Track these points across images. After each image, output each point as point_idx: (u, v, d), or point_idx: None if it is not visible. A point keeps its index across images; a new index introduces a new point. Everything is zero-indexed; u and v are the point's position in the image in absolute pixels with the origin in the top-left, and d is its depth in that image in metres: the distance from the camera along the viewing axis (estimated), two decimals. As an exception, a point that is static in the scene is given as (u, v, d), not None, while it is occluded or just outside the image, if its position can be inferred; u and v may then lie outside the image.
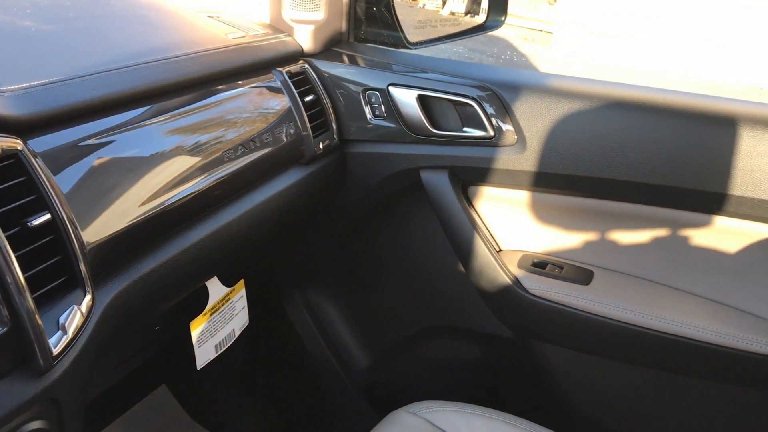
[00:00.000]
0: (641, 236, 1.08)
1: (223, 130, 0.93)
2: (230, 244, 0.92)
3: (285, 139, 1.03)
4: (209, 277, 0.95)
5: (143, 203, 0.76)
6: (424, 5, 1.85)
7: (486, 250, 1.14)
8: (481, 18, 1.47)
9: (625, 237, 1.10)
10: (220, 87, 0.95)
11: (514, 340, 1.20)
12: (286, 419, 1.51)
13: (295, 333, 1.40)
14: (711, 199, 0.98)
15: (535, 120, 1.05)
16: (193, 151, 0.85)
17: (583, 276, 1.12)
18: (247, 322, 1.09)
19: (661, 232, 1.06)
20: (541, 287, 1.11)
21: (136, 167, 0.76)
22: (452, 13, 1.74)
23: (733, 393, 1.04)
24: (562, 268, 1.14)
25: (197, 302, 0.98)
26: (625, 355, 1.08)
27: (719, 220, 1.01)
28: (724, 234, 1.02)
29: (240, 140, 0.93)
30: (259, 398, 1.50)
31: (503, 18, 1.42)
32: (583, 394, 1.15)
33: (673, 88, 1.06)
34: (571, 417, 1.17)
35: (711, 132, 0.96)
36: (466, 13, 1.64)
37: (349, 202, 1.22)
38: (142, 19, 1.01)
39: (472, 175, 1.13)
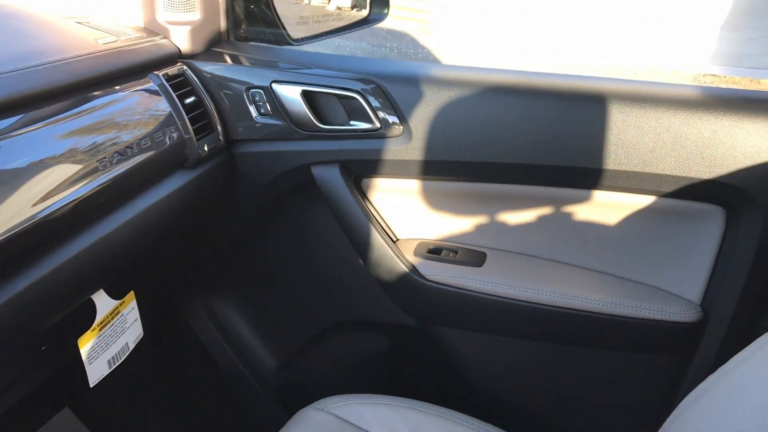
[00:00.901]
0: (528, 216, 1.12)
1: (98, 137, 0.89)
2: (113, 256, 0.89)
3: (167, 143, 1.00)
4: (93, 291, 0.92)
5: (11, 217, 0.73)
6: (309, 1, 1.85)
7: (382, 241, 1.15)
8: (365, 11, 1.47)
9: (513, 217, 1.13)
10: (94, 93, 0.92)
11: (416, 328, 1.22)
12: (198, 430, 1.48)
13: (198, 341, 1.37)
14: (588, 174, 1.02)
15: (418, 110, 1.07)
16: (66, 160, 0.82)
17: (476, 258, 1.14)
18: (142, 334, 1.06)
19: (546, 210, 1.10)
20: (438, 273, 1.13)
21: (2, 181, 0.73)
22: (339, 8, 1.75)
23: (621, 357, 1.08)
24: (456, 253, 1.16)
25: (84, 317, 0.94)
26: (520, 331, 1.11)
27: (598, 194, 1.06)
28: (603, 207, 1.07)
29: (117, 147, 0.90)
30: (167, 411, 1.47)
31: (386, 11, 1.43)
32: (484, 373, 1.18)
33: (547, 70, 1.10)
34: (474, 395, 1.20)
35: (582, 110, 1.00)
36: (353, 8, 1.65)
37: (241, 204, 1.20)
38: (4, 28, 0.96)
39: (362, 168, 1.14)
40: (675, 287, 1.07)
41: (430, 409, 1.11)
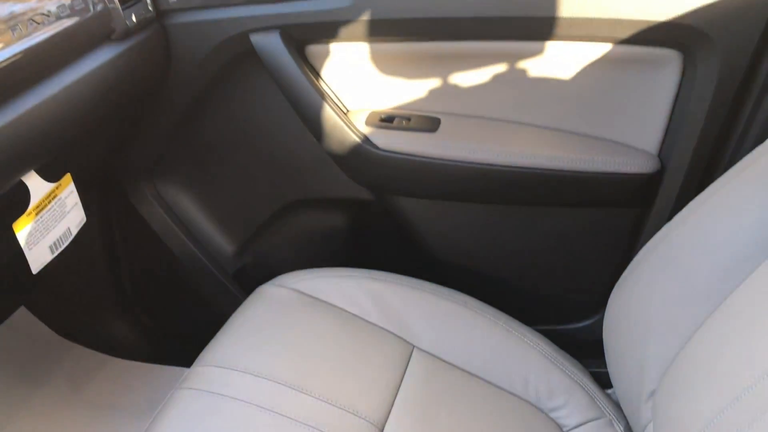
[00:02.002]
0: (481, 75, 1.07)
1: (13, 6, 0.82)
2: (40, 133, 0.83)
3: (90, 12, 0.93)
4: (22, 173, 0.86)
5: None
6: None
7: (331, 112, 1.10)
8: None
9: (466, 78, 1.08)
10: None
11: (372, 201, 1.19)
12: (159, 319, 1.46)
13: (150, 229, 1.33)
14: (542, 24, 0.97)
15: None
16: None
17: (430, 124, 1.10)
18: (84, 219, 1.02)
19: (499, 68, 1.06)
20: (391, 141, 1.09)
21: None
22: None
23: (580, 214, 1.07)
24: (409, 120, 1.12)
25: (18, 202, 0.89)
26: (477, 195, 1.09)
27: (552, 46, 1.01)
28: (558, 60, 1.03)
29: (31, 14, 0.83)
30: (125, 303, 1.44)
31: None
32: (442, 240, 1.17)
33: None
34: (434, 262, 1.19)
35: None
36: None
37: (179, 80, 1.13)
38: None
39: (305, 33, 1.07)
40: (632, 139, 1.05)
41: (390, 278, 1.10)
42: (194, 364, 0.96)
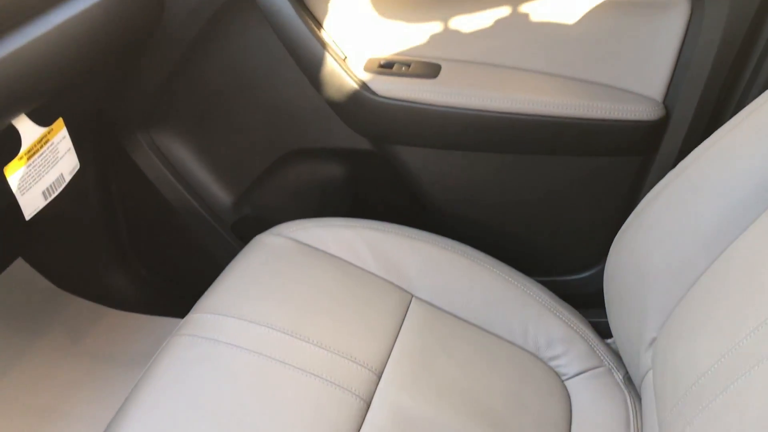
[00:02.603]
0: (483, 20, 1.04)
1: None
2: (29, 74, 0.81)
3: (79, -49, 0.90)
4: (12, 115, 0.84)
5: None
6: None
7: (330, 58, 1.08)
8: None
9: (468, 23, 1.05)
10: None
11: (371, 150, 1.17)
12: (157, 270, 1.46)
13: (147, 180, 1.31)
14: None
15: None
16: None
17: (430, 70, 1.08)
18: (78, 165, 1.00)
19: (502, 12, 1.03)
20: (390, 88, 1.07)
21: None
22: None
23: (582, 163, 1.06)
24: (408, 66, 1.09)
25: (9, 146, 0.87)
26: (477, 143, 1.07)
27: None
28: (563, 2, 1.00)
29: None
30: (122, 254, 1.43)
31: None
32: (442, 190, 1.15)
33: None
34: (434, 213, 1.18)
35: None
36: None
37: (173, 26, 1.10)
38: None
39: None
40: (637, 86, 1.03)
41: (389, 228, 1.08)
42: (191, 311, 0.96)
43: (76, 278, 1.47)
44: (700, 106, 0.99)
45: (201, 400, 0.82)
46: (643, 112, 1.00)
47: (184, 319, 0.95)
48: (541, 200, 1.11)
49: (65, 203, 1.29)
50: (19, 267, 1.47)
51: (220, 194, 1.34)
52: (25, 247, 1.46)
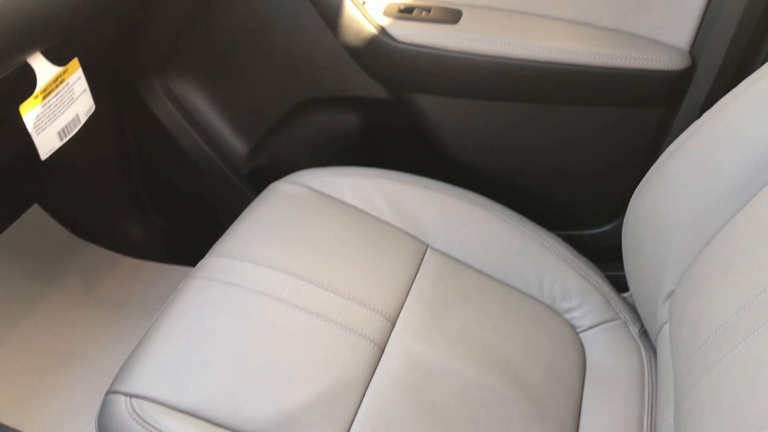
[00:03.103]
0: (507, -36, 1.02)
1: None
2: (42, 11, 0.80)
3: None
4: (27, 52, 0.83)
5: None
6: None
7: (348, 3, 1.06)
8: None
9: None
10: None
11: (388, 99, 1.15)
12: (170, 219, 1.46)
13: (162, 127, 1.30)
14: None
15: None
16: None
17: (451, 16, 1.05)
18: (93, 107, 0.99)
19: (527, -44, 1.00)
20: (409, 33, 1.05)
21: None
22: None
23: (606, 113, 1.03)
24: (429, 11, 1.07)
25: (25, 85, 0.86)
26: (499, 92, 1.05)
27: None
28: None
29: None
30: (137, 202, 1.43)
31: None
32: (459, 140, 1.13)
33: None
34: (452, 163, 1.16)
35: None
36: None
37: None
38: None
39: None
40: (663, 35, 1.00)
41: (405, 178, 1.07)
42: (206, 255, 0.96)
43: (92, 226, 1.48)
44: (728, 57, 0.96)
45: (215, 341, 0.82)
46: (669, 61, 0.98)
47: (200, 263, 0.95)
48: (561, 152, 1.09)
49: (81, 149, 1.29)
50: (35, 214, 1.47)
51: (235, 143, 1.33)
52: (41, 194, 1.46)
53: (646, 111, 1.02)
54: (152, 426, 0.72)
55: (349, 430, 0.77)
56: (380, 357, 0.85)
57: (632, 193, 0.95)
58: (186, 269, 1.42)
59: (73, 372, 1.24)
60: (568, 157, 1.09)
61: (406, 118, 1.16)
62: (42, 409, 1.18)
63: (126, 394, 0.76)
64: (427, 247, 1.02)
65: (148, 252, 1.46)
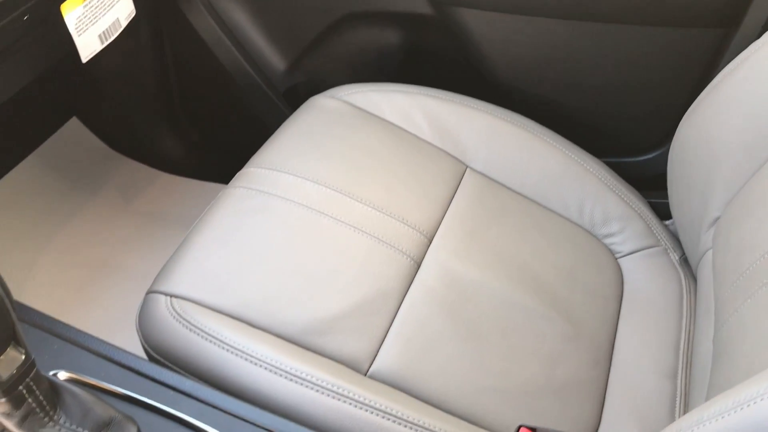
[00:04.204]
0: None
1: None
2: None
3: None
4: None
5: None
6: None
7: None
8: None
9: None
10: None
11: (430, 14, 1.12)
12: (207, 135, 1.45)
13: (202, 42, 1.29)
14: None
15: None
16: None
17: None
18: (134, 12, 0.98)
19: None
20: None
21: None
22: None
23: (657, 33, 0.99)
24: None
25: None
26: (547, 7, 1.00)
27: None
28: None
29: None
30: (174, 117, 1.43)
31: None
32: (503, 59, 1.10)
33: None
34: (494, 83, 1.13)
35: None
36: None
37: None
38: None
39: None
40: None
41: (446, 96, 1.05)
42: (245, 166, 0.95)
43: (129, 140, 1.48)
44: None
45: (253, 247, 0.82)
46: (730, -22, 0.93)
47: (239, 173, 0.94)
48: (610, 75, 1.05)
49: (120, 61, 1.28)
50: (74, 126, 1.48)
51: (274, 60, 1.31)
52: (80, 107, 1.47)
53: (702, 32, 0.97)
54: (192, 324, 0.73)
55: (384, 339, 0.78)
56: (416, 271, 0.85)
57: (680, 118, 0.92)
58: (221, 186, 1.43)
59: (111, 281, 1.27)
60: (617, 79, 1.05)
61: (448, 35, 1.12)
62: (80, 317, 1.21)
63: (166, 294, 0.77)
64: (467, 167, 1.00)
65: (184, 168, 1.46)
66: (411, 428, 0.68)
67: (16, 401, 0.53)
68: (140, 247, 1.32)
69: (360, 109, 1.03)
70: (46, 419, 0.55)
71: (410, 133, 1.02)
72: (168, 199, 1.43)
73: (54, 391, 0.56)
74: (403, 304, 0.81)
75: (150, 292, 0.79)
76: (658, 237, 0.97)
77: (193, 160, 1.46)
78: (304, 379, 0.69)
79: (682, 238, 0.94)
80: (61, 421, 0.55)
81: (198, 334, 0.72)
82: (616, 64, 1.03)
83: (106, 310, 1.21)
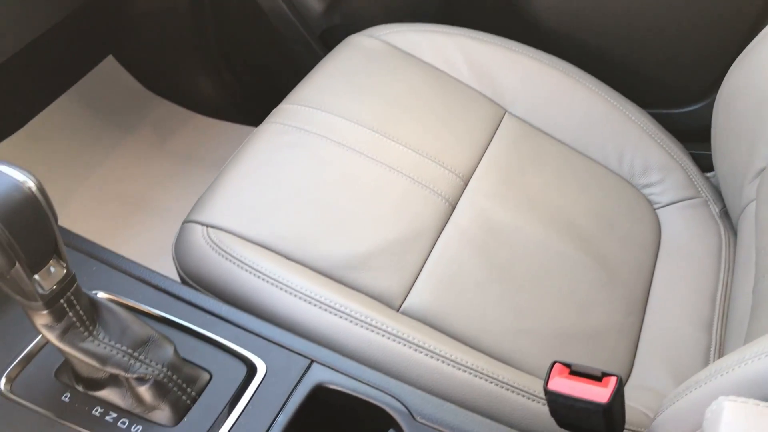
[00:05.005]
0: None
1: None
2: None
3: None
4: None
5: None
6: None
7: None
8: None
9: None
10: None
11: None
12: (242, 77, 1.44)
13: None
14: None
15: None
16: None
17: None
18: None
19: None
20: None
21: None
22: None
23: None
24: None
25: None
26: None
27: None
28: None
29: None
30: (210, 59, 1.42)
31: None
32: (546, 1, 1.07)
33: None
34: (536, 27, 1.10)
35: None
36: None
37: None
38: None
39: None
40: None
41: (487, 38, 1.03)
42: (282, 102, 0.95)
43: (165, 80, 1.48)
44: None
45: (289, 182, 0.82)
46: None
47: (275, 108, 0.94)
48: (656, 21, 1.02)
49: (155, 1, 1.28)
50: (110, 65, 1.48)
51: (311, 0, 1.29)
52: (116, 46, 1.47)
53: None
54: (227, 253, 0.73)
55: (417, 277, 0.78)
56: (451, 213, 0.84)
57: (728, 68, 0.89)
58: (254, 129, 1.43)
59: (143, 217, 1.28)
60: (662, 26, 1.02)
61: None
62: (114, 249, 1.23)
63: (202, 224, 0.77)
64: (506, 111, 0.99)
65: (219, 110, 1.46)
66: (443, 362, 0.68)
67: (57, 314, 0.54)
68: (173, 185, 1.33)
69: (398, 49, 1.02)
70: (86, 334, 0.56)
71: (449, 75, 1.00)
72: (201, 140, 1.43)
73: (93, 307, 0.57)
74: (436, 245, 0.81)
75: (187, 221, 0.79)
76: (699, 188, 0.95)
77: (227, 103, 1.46)
78: (338, 310, 0.70)
79: (723, 190, 0.92)
80: (100, 336, 0.56)
81: (234, 263, 0.73)
82: (663, 9, 1.00)
83: (138, 243, 1.23)
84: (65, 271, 0.53)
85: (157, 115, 1.47)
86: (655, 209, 0.95)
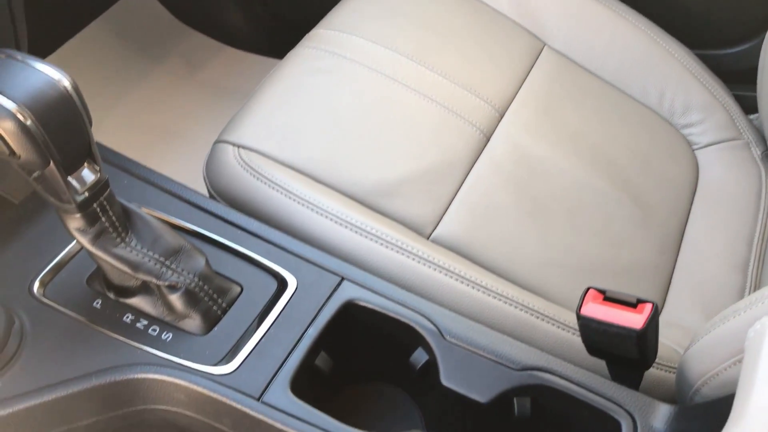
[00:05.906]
0: None
1: None
2: None
3: None
4: None
5: None
6: None
7: None
8: None
9: None
10: None
11: None
12: (274, 11, 1.42)
13: None
14: None
15: None
16: None
17: None
18: None
19: None
20: None
21: None
22: None
23: None
24: None
25: None
26: None
27: None
28: None
29: None
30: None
31: None
32: None
33: None
34: None
35: None
36: None
37: None
38: None
39: None
40: None
41: None
42: (315, 27, 0.93)
43: (195, 12, 1.46)
44: None
45: (322, 106, 0.81)
46: None
47: (309, 33, 0.92)
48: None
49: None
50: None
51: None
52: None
53: None
54: (259, 173, 0.73)
55: (448, 206, 0.77)
56: (485, 145, 0.83)
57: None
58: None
59: (172, 146, 1.28)
60: None
61: None
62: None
63: (234, 144, 0.77)
64: (545, 45, 0.96)
65: (250, 43, 1.44)
66: (473, 287, 0.67)
67: (90, 218, 0.54)
68: (201, 116, 1.32)
69: None
70: (118, 240, 0.56)
71: (488, 6, 0.97)
72: (231, 72, 1.41)
73: (126, 215, 0.57)
74: (469, 176, 0.80)
75: (218, 141, 0.79)
76: (741, 130, 0.92)
77: (257, 35, 1.44)
78: (369, 233, 0.69)
79: (766, 133, 0.89)
80: (132, 243, 0.56)
81: (265, 183, 0.72)
82: None
83: (167, 171, 1.22)
84: (99, 175, 0.53)
85: (187, 46, 1.45)
86: (694, 150, 0.92)
